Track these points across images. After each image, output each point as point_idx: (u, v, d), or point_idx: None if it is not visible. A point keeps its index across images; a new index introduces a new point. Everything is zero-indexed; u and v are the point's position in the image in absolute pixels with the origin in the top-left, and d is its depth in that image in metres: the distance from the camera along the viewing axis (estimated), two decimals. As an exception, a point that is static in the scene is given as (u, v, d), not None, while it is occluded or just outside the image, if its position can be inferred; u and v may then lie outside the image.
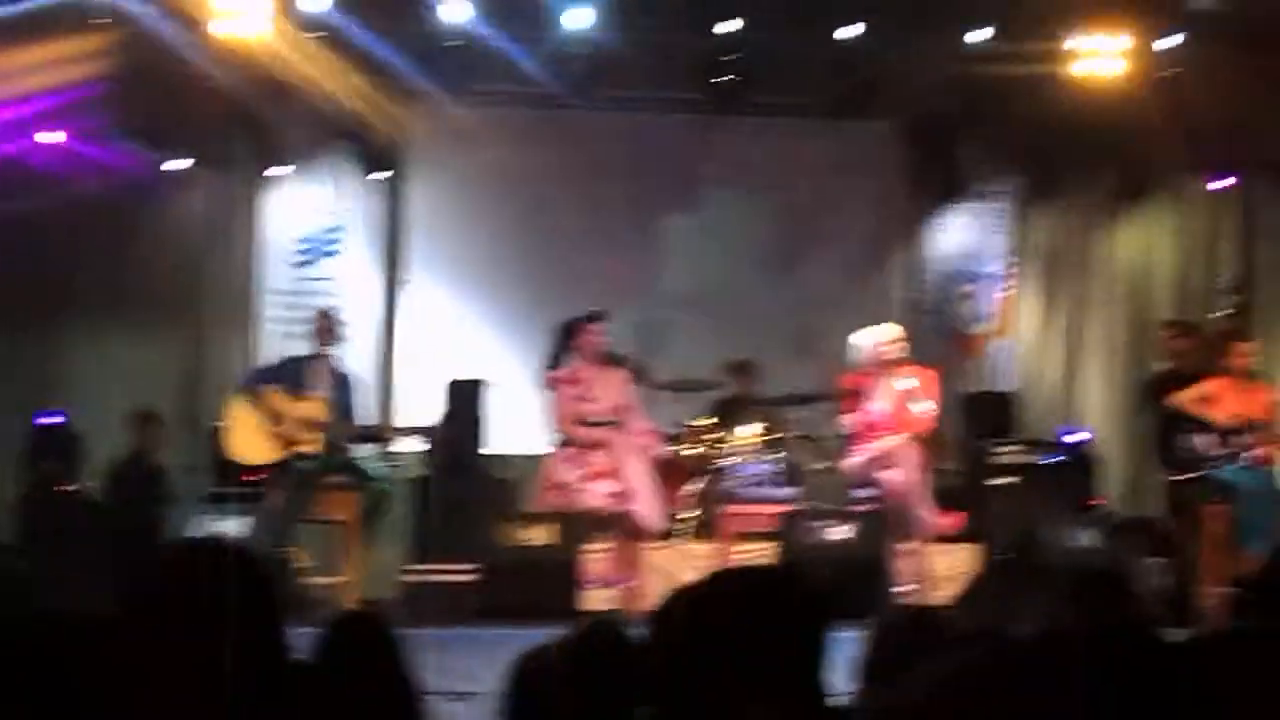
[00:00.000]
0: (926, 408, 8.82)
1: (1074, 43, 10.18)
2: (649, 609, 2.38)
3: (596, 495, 8.36)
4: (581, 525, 8.43)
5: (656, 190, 11.89)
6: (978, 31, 10.29)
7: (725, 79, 10.87)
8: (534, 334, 9.50)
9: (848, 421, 8.91)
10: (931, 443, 8.92)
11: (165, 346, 11.05)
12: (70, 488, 9.90)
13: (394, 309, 11.49)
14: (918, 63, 10.81)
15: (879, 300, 11.55)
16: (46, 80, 9.44)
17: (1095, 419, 11.62)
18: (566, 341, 8.64)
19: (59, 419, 10.33)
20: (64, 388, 10.74)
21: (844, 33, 10.38)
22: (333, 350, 9.08)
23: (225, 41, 9.29)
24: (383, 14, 9.95)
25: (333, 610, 4.57)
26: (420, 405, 10.42)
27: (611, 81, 11.01)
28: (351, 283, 11.30)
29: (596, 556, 8.49)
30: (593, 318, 8.69)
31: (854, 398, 8.88)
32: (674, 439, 9.84)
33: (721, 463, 9.86)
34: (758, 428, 10.03)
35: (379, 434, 9.53)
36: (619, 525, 8.42)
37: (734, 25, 10.40)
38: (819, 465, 10.00)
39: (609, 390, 8.56)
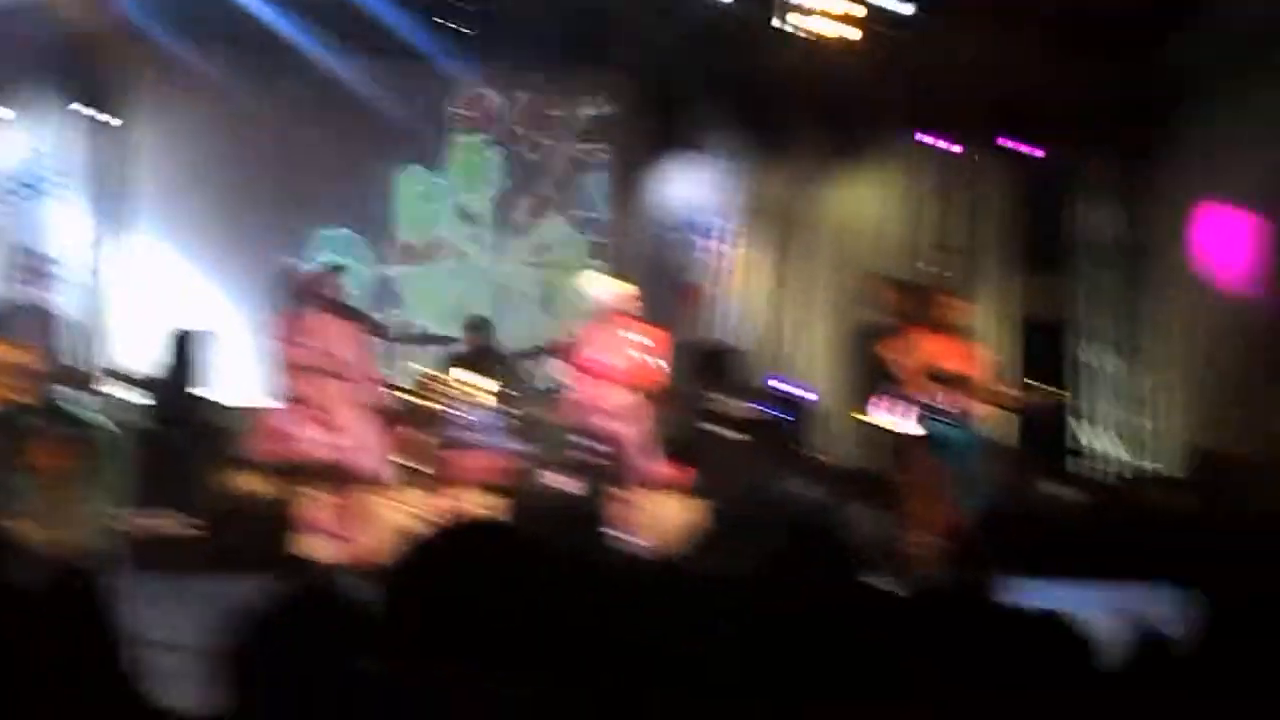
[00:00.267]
0: (657, 364, 8.96)
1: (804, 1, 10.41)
2: (373, 560, 2.38)
3: (317, 445, 8.26)
4: (302, 474, 8.32)
5: (393, 141, 11.77)
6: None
7: (461, 28, 10.81)
8: (259, 285, 9.38)
9: (577, 374, 8.99)
10: (659, 397, 9.07)
11: None
12: None
13: (113, 256, 11.08)
14: (649, 18, 10.91)
15: (608, 253, 11.73)
16: None
17: (818, 372, 11.96)
18: (299, 292, 8.52)
19: None
20: None
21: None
22: (43, 294, 8.76)
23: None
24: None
25: (45, 563, 4.44)
26: (141, 355, 10.22)
27: (350, 28, 10.85)
28: (67, 226, 10.85)
29: (318, 506, 8.39)
30: (327, 269, 8.85)
31: (585, 350, 8.96)
32: (406, 391, 9.80)
33: (452, 414, 9.86)
34: (490, 381, 10.06)
35: (95, 381, 9.25)
36: (340, 475, 8.34)
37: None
38: (550, 418, 10.07)
39: (338, 342, 8.45)
